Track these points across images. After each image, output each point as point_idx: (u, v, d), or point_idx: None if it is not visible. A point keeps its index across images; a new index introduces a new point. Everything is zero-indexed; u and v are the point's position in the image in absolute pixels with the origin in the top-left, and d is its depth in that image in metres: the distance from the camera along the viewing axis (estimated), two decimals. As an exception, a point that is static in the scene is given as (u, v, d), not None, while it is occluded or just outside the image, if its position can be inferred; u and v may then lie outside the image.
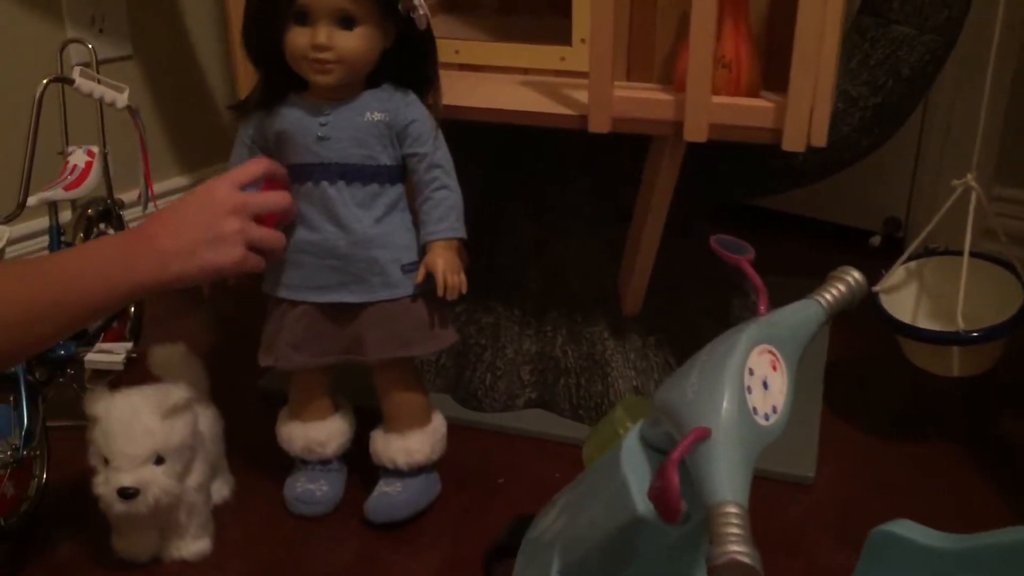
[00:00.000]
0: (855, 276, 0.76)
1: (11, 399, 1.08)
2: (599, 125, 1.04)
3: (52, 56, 1.30)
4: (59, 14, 1.56)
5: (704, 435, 0.63)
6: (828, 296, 0.75)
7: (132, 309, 1.41)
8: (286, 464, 1.15)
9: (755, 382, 0.67)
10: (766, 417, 0.67)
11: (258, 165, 0.98)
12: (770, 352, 0.69)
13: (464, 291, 1.02)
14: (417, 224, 1.04)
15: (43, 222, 1.25)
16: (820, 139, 0.98)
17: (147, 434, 0.96)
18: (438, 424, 1.12)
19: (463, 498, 1.14)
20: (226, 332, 1.53)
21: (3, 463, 1.05)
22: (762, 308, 0.73)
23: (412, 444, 1.09)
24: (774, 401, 0.68)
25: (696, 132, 1.01)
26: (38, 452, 1.09)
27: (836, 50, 0.96)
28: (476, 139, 1.15)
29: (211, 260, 0.89)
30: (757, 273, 0.75)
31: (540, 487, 1.12)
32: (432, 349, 1.08)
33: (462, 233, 1.04)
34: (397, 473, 1.10)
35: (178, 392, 0.98)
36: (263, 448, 1.20)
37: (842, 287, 0.75)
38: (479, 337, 1.29)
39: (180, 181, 1.77)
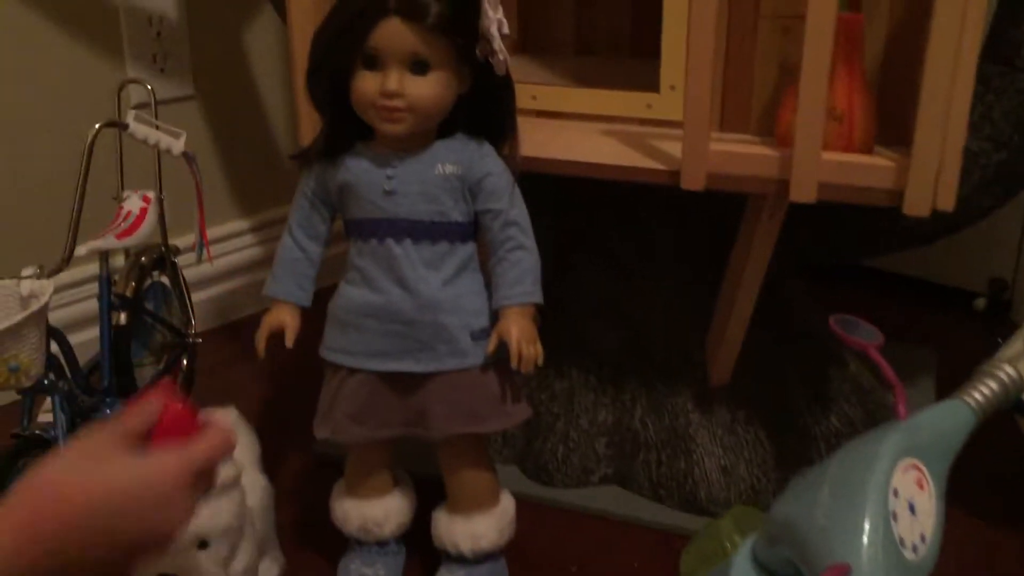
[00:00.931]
0: (1009, 372, 0.65)
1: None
2: (693, 182, 0.94)
3: (112, 95, 1.25)
4: (120, 53, 1.51)
5: (844, 574, 0.52)
6: (978, 396, 0.64)
7: (185, 361, 1.34)
8: (340, 540, 1.06)
9: (900, 506, 0.56)
10: (914, 549, 0.56)
11: (152, 405, 0.69)
12: (916, 468, 0.58)
13: (540, 364, 0.93)
14: (489, 286, 0.95)
15: (93, 268, 1.18)
16: (947, 202, 0.87)
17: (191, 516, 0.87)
18: (507, 506, 1.02)
19: (531, 588, 1.04)
20: (281, 387, 1.45)
21: (38, 537, 0.97)
22: (901, 409, 0.62)
23: (478, 528, 0.99)
24: (922, 528, 0.57)
25: (804, 192, 0.90)
26: (76, 524, 1.01)
27: (968, 101, 0.85)
28: (543, 184, 1.05)
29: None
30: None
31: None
32: (503, 426, 0.98)
33: (538, 298, 0.94)
34: (461, 560, 1.00)
35: (225, 468, 0.89)
36: (315, 521, 1.11)
37: (994, 385, 0.64)
38: (551, 404, 1.19)
39: (239, 224, 1.71)
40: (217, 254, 1.56)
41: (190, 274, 1.36)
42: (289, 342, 0.95)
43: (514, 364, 0.91)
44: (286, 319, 0.96)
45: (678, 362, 1.15)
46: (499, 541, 1.00)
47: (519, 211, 0.95)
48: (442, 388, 0.94)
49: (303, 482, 1.19)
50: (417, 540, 1.06)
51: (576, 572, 1.06)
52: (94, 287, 1.18)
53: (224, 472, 0.89)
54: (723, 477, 1.11)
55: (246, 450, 1.01)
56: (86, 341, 1.16)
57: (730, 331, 1.09)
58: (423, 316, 0.93)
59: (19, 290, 0.98)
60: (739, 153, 0.93)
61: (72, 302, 1.41)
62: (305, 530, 1.11)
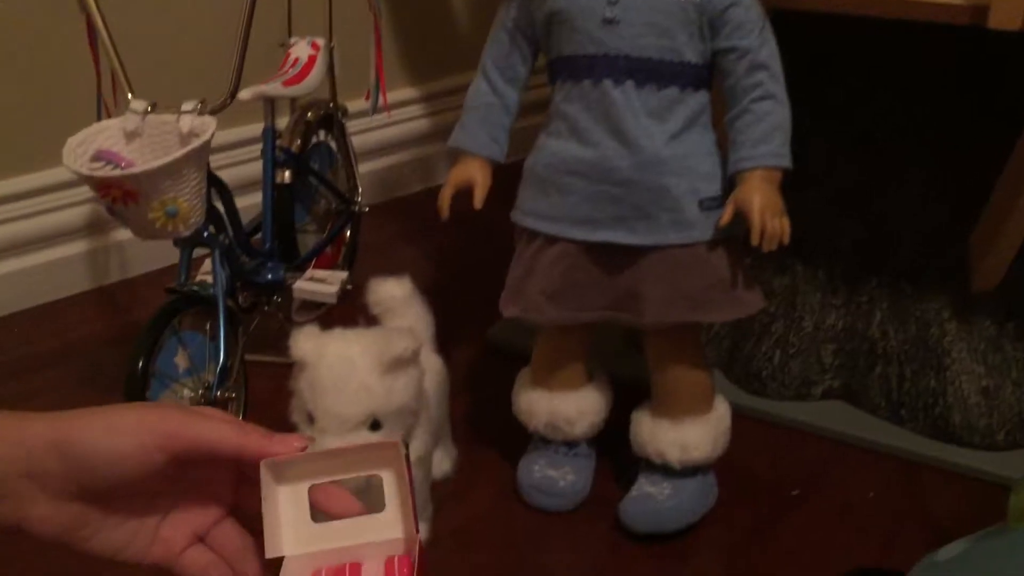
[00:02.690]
0: None
1: (207, 327, 0.91)
2: (1005, 19, 0.73)
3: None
4: None
5: None
6: None
7: (348, 233, 1.22)
8: (520, 438, 0.92)
9: None
10: None
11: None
12: None
13: (786, 241, 0.75)
14: (724, 146, 0.77)
15: (257, 128, 1.07)
16: None
17: (364, 392, 0.74)
18: (722, 413, 0.86)
19: (747, 512, 0.88)
20: (451, 269, 1.32)
21: (193, 403, 0.88)
22: None
23: (689, 436, 0.83)
24: None
25: None
26: (233, 395, 0.91)
27: None
28: (783, 33, 0.85)
29: None
30: None
31: (850, 507, 0.85)
32: (732, 316, 0.81)
33: (787, 162, 0.77)
34: (665, 471, 0.84)
35: (403, 340, 0.76)
36: (491, 416, 0.98)
37: None
38: (768, 303, 1.01)
39: (407, 93, 1.57)
40: (383, 123, 1.43)
41: (355, 144, 1.24)
42: (478, 201, 0.81)
43: (755, 240, 0.74)
44: (475, 175, 0.82)
45: (932, 261, 0.95)
46: (711, 453, 0.84)
47: (770, 52, 0.76)
48: (660, 266, 0.78)
49: (477, 374, 1.06)
50: (610, 446, 0.91)
51: (798, 496, 0.89)
52: (257, 148, 1.07)
53: (403, 345, 0.76)
54: (984, 400, 0.91)
55: (423, 325, 0.87)
56: (247, 207, 1.05)
57: (1009, 227, 0.88)
58: (643, 177, 0.76)
59: (179, 126, 0.87)
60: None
61: (234, 163, 1.30)
62: (480, 425, 0.98)
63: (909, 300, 0.95)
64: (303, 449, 0.56)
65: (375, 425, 0.76)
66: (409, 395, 0.77)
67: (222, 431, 0.52)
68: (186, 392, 0.88)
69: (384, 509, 0.57)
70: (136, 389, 0.82)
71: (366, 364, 0.75)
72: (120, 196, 0.81)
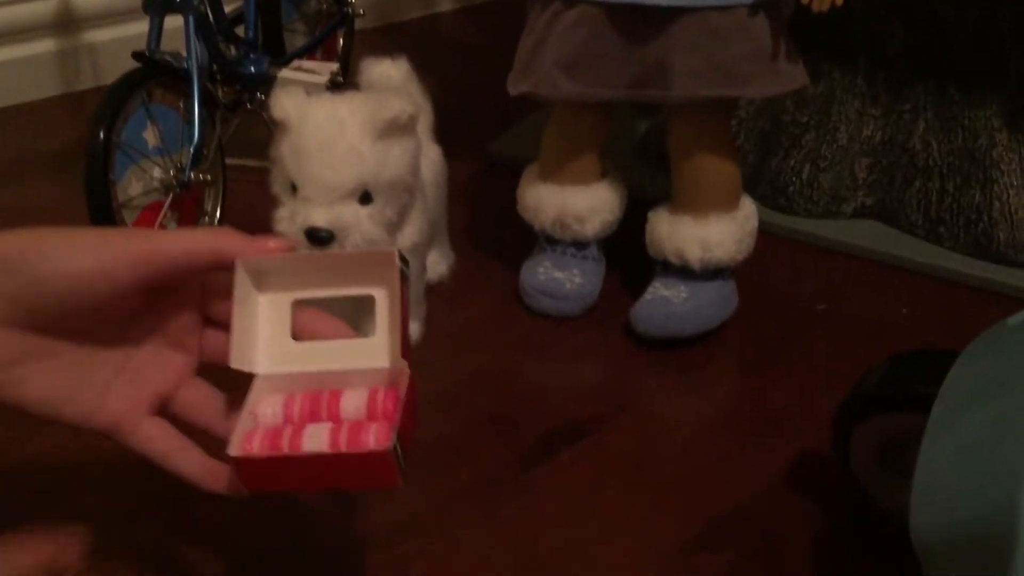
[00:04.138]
0: None
1: (180, 105, 0.82)
2: None
3: None
4: None
5: None
6: None
7: (341, 38, 1.12)
8: (524, 249, 0.84)
9: None
10: None
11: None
12: None
13: (839, 2, 0.66)
14: None
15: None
16: None
17: (354, 156, 0.66)
18: (749, 212, 0.78)
19: (768, 322, 0.80)
20: (449, 89, 1.21)
21: (164, 184, 0.79)
22: None
23: (712, 233, 0.75)
24: None
25: None
26: (210, 178, 0.82)
27: None
28: None
29: None
30: None
31: (882, 323, 0.78)
32: (772, 91, 0.72)
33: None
34: (683, 273, 0.77)
35: (399, 103, 0.67)
36: (492, 228, 0.90)
37: None
38: (798, 112, 0.92)
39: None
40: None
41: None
42: None
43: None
44: None
45: (984, 65, 0.86)
46: (735, 255, 0.76)
47: None
48: (694, 32, 0.69)
49: (477, 187, 0.98)
50: (620, 259, 0.84)
51: (825, 310, 0.82)
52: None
53: (399, 107, 0.67)
54: None
55: (420, 110, 0.78)
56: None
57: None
58: (676, -75, 0.66)
59: None
60: None
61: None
62: (479, 236, 0.90)
63: (957, 108, 0.87)
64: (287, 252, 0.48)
65: (365, 197, 0.67)
66: (404, 167, 0.69)
67: (194, 237, 0.45)
68: (156, 172, 0.79)
69: (373, 334, 0.49)
70: (97, 161, 0.73)
71: (357, 126, 0.66)
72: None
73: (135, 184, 0.78)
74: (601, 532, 0.62)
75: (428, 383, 0.75)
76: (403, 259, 0.48)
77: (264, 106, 0.98)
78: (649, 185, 0.85)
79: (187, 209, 0.82)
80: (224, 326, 0.46)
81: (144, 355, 0.46)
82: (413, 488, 0.64)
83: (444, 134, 0.81)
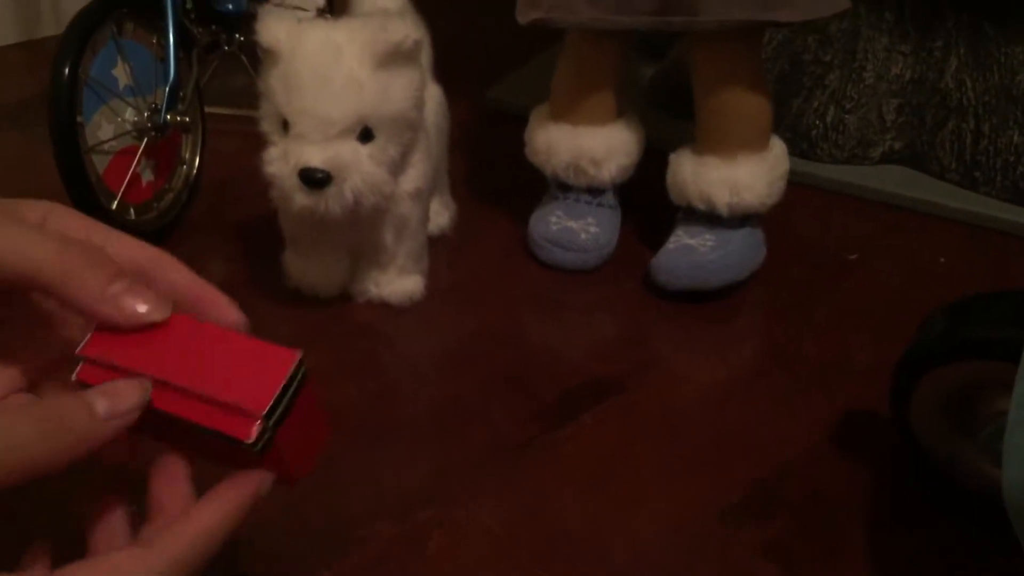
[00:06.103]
0: None
1: (154, 42, 0.74)
2: None
3: None
4: None
5: None
6: None
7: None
8: (530, 199, 0.78)
9: None
10: None
11: None
12: None
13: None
14: None
15: None
16: None
17: (353, 86, 0.59)
18: (780, 153, 0.72)
19: (800, 274, 0.75)
20: (447, 30, 1.14)
21: (138, 127, 0.72)
22: None
23: (741, 175, 0.69)
24: None
25: None
26: (188, 120, 0.75)
27: None
28: None
29: None
30: None
31: (917, 273, 0.73)
32: (808, 15, 0.66)
33: None
34: (709, 219, 0.71)
35: (402, 27, 0.60)
36: (495, 177, 0.84)
37: None
38: (821, 50, 0.86)
39: None
40: None
41: None
42: None
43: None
44: None
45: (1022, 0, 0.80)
46: (765, 199, 0.71)
47: None
48: (723, -50, 0.62)
49: (475, 135, 0.91)
50: (639, 200, 0.77)
51: (857, 260, 0.76)
52: None
53: (402, 32, 0.60)
54: None
55: (424, 37, 0.72)
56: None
57: None
58: None
59: None
60: None
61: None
62: (481, 186, 0.84)
63: (992, 44, 0.81)
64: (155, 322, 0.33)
65: (366, 134, 0.61)
66: (408, 99, 0.62)
67: (32, 248, 0.32)
68: (129, 113, 0.72)
69: None
70: (63, 97, 0.66)
71: (355, 53, 0.60)
72: None
73: (105, 126, 0.71)
74: (631, 499, 0.56)
75: (433, 341, 0.69)
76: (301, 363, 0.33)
77: (243, 48, 0.91)
78: (659, 132, 0.79)
79: (164, 156, 0.75)
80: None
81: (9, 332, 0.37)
82: (427, 453, 0.58)
83: (440, 80, 0.74)
